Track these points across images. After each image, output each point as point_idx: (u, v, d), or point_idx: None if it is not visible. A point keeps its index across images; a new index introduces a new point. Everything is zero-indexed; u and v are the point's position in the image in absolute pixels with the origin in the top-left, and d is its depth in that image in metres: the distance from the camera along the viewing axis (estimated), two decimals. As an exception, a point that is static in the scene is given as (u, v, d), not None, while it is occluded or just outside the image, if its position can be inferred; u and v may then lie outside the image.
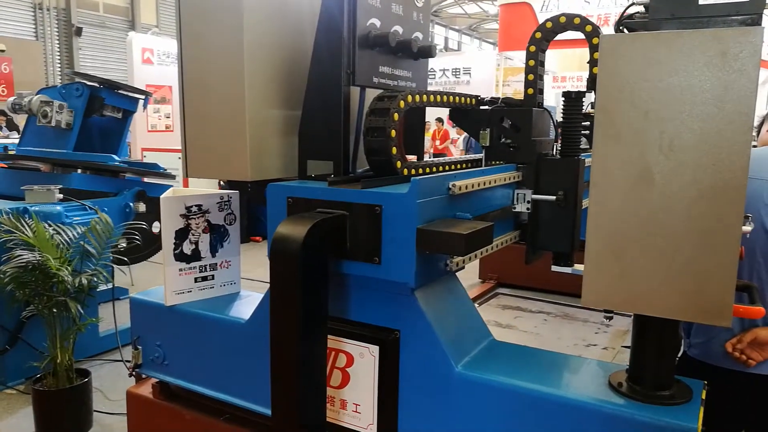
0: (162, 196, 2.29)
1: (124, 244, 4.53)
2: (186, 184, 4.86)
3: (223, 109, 2.02)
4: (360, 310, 1.94)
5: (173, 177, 4.86)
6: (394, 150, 1.97)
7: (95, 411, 3.33)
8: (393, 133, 1.95)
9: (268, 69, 2.04)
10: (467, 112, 2.46)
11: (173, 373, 2.45)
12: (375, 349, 1.89)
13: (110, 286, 3.88)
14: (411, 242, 1.72)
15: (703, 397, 1.62)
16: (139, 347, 2.51)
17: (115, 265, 3.93)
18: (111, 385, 2.97)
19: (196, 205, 2.38)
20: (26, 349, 3.62)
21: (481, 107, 2.41)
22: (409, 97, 2.02)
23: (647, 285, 1.41)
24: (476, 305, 5.38)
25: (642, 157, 1.37)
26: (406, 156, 2.44)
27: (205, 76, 2.05)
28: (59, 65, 18.81)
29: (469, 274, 6.36)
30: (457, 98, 2.32)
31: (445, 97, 2.24)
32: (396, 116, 1.96)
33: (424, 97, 2.11)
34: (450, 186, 1.87)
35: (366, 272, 1.83)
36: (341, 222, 1.81)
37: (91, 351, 4.08)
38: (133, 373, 2.53)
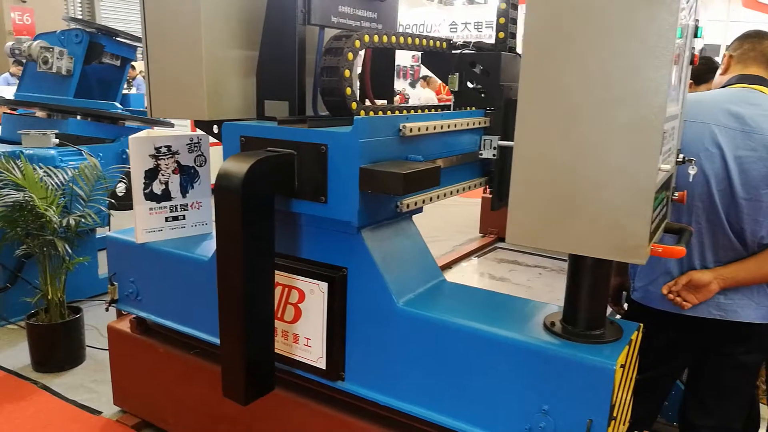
0: (131, 137, 2.34)
1: (123, 189, 4.64)
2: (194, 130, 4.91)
3: (181, 50, 2.04)
4: (310, 248, 1.99)
5: (172, 125, 4.91)
6: (349, 91, 1.98)
7: (88, 346, 3.47)
8: (347, 73, 1.95)
9: (225, 8, 2.03)
10: (438, 56, 2.44)
11: (146, 309, 2.55)
12: (324, 286, 1.94)
13: (107, 230, 4.00)
14: (354, 181, 1.74)
15: (634, 338, 1.65)
16: (115, 283, 2.61)
17: (111, 210, 4.04)
18: (105, 323, 3.11)
19: (165, 146, 2.43)
20: (26, 288, 3.77)
21: (453, 51, 2.38)
22: (366, 37, 2.01)
23: (568, 223, 1.41)
24: (474, 258, 5.44)
25: (565, 93, 1.36)
26: (376, 101, 2.44)
27: (164, 18, 2.06)
28: (80, 16, 18.85)
29: (470, 229, 6.43)
30: (425, 41, 2.29)
31: (410, 39, 2.22)
32: (350, 56, 1.95)
33: (384, 37, 2.09)
34: (401, 127, 1.88)
35: (313, 211, 1.86)
36: (289, 160, 1.84)
37: (91, 292, 4.23)
38: (108, 308, 2.64)
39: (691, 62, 1.62)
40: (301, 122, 1.87)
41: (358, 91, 2.37)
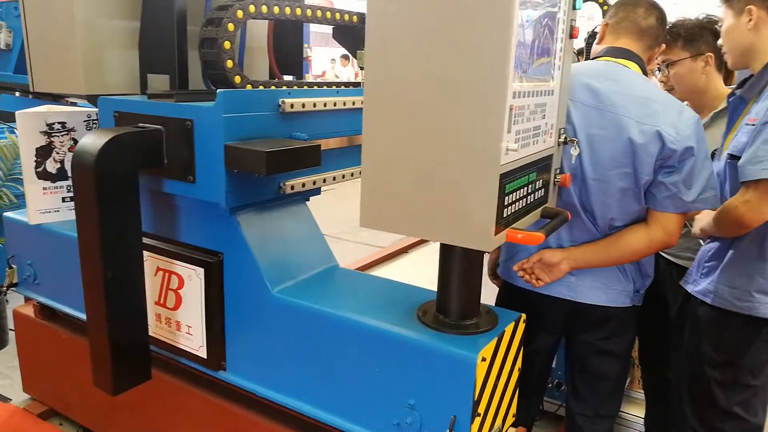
0: (18, 112, 2.22)
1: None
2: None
3: (55, 19, 1.91)
4: (188, 232, 1.88)
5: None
6: (230, 63, 1.86)
7: (12, 330, 3.38)
8: (227, 45, 1.83)
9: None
10: (350, 30, 2.32)
11: (44, 293, 2.44)
12: (201, 272, 1.84)
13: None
14: (220, 159, 1.63)
15: (509, 329, 1.55)
16: (14, 266, 2.50)
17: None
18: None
19: (59, 122, 2.30)
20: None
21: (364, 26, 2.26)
22: (252, 7, 1.88)
23: (415, 207, 1.31)
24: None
25: (404, 72, 1.25)
26: (283, 76, 2.32)
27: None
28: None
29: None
30: (331, 14, 2.17)
31: (312, 12, 2.10)
32: (231, 27, 1.83)
33: (276, 8, 1.97)
34: (280, 103, 1.76)
35: (182, 191, 1.75)
36: (156, 137, 1.72)
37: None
38: (6, 292, 2.53)
39: (571, 35, 1.51)
40: (170, 97, 1.76)
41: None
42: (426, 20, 1.21)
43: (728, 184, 1.81)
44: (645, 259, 1.86)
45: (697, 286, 1.92)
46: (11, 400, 2.79)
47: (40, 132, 2.26)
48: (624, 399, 2.87)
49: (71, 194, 2.40)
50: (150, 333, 2.04)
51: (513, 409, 1.69)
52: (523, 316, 1.63)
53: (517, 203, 1.37)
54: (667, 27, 2.29)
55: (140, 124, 1.76)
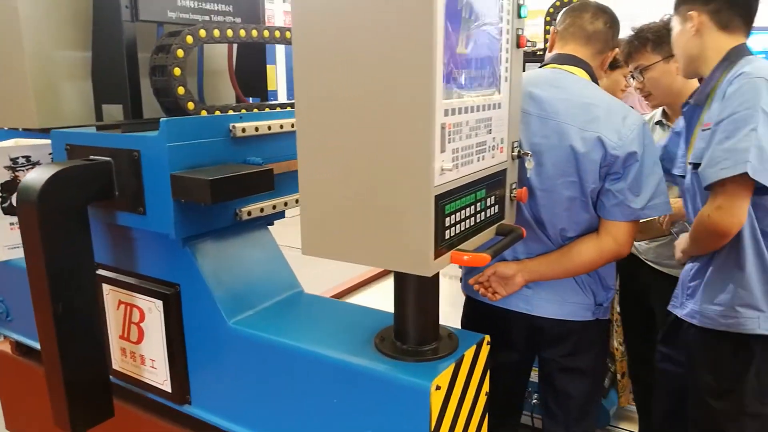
0: (-20, 148, 2.20)
1: None
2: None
3: (5, 53, 1.89)
4: (145, 264, 1.84)
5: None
6: (182, 90, 1.82)
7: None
8: (177, 71, 1.80)
9: (49, 6, 1.88)
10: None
11: (16, 330, 2.41)
12: (160, 304, 1.79)
13: None
14: (167, 190, 1.59)
15: (470, 353, 1.49)
16: (-12, 303, 2.47)
17: None
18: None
19: (23, 157, 2.27)
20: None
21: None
22: (202, 32, 1.85)
23: (355, 233, 1.26)
24: None
25: (332, 91, 1.21)
26: (247, 99, 2.29)
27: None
28: None
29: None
30: (288, 34, 2.13)
31: (268, 33, 2.06)
32: (180, 53, 1.80)
33: (229, 31, 1.93)
34: (231, 128, 1.73)
35: (134, 223, 1.71)
36: (106, 169, 1.69)
37: None
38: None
39: (518, 45, 1.45)
40: (117, 127, 1.72)
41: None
42: (350, 38, 1.17)
43: (699, 196, 1.73)
44: (605, 270, 1.79)
45: (685, 309, 1.81)
46: (-11, 435, 2.76)
47: (4, 167, 2.24)
48: (617, 414, 2.79)
49: (40, 228, 2.37)
50: (116, 367, 2.01)
51: (483, 434, 1.62)
52: (487, 338, 1.56)
53: (462, 223, 1.31)
54: (635, 32, 2.24)
55: (91, 157, 1.73)
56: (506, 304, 1.77)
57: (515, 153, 1.51)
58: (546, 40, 4.31)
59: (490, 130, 1.39)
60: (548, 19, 4.25)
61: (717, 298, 1.70)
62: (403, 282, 1.46)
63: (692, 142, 1.76)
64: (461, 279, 1.97)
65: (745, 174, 1.47)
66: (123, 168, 1.67)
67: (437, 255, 1.21)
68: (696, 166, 1.66)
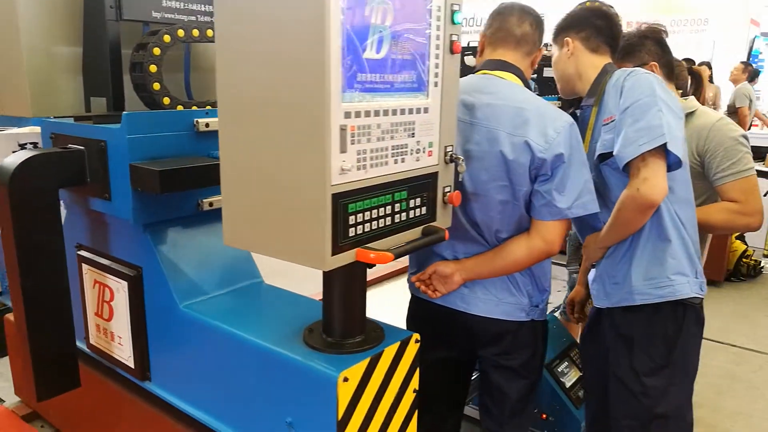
0: (-9, 134, 2.40)
1: None
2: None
3: (4, 47, 2.06)
4: (115, 246, 1.97)
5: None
6: (157, 86, 1.95)
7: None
8: (153, 68, 1.92)
9: (46, 4, 2.03)
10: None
11: (20, 302, 2.60)
12: (125, 285, 1.91)
13: None
14: (126, 178, 1.71)
15: (392, 350, 1.53)
16: None
17: None
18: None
19: (31, 143, 2.47)
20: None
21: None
22: (181, 32, 1.97)
23: (266, 227, 1.33)
24: None
25: (244, 96, 1.29)
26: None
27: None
28: None
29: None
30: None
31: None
32: (157, 51, 1.92)
33: (209, 31, 2.04)
34: (195, 123, 1.83)
35: (101, 208, 1.84)
36: (78, 156, 1.82)
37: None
38: None
39: (452, 51, 1.48)
40: (89, 119, 1.86)
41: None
42: (258, 44, 1.24)
43: (609, 187, 1.79)
44: (540, 271, 1.80)
45: (613, 297, 1.84)
46: (4, 401, 2.97)
47: (13, 152, 2.43)
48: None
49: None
50: (92, 342, 2.15)
51: (412, 431, 1.65)
52: (416, 335, 1.60)
53: (374, 222, 1.35)
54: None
55: (69, 145, 1.87)
56: (446, 303, 1.81)
57: (448, 157, 1.54)
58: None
59: (413, 133, 1.42)
60: (569, 24, 4.19)
61: (650, 273, 1.77)
62: (329, 277, 1.51)
63: (587, 142, 1.84)
64: (408, 279, 2.01)
65: (662, 146, 1.60)
66: (93, 156, 1.80)
67: (338, 251, 1.27)
68: (603, 156, 1.74)
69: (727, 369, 3.74)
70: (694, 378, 1.88)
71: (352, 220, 1.29)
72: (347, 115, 1.22)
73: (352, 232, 1.30)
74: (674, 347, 1.79)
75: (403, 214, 1.45)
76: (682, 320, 1.79)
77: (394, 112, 1.35)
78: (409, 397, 1.62)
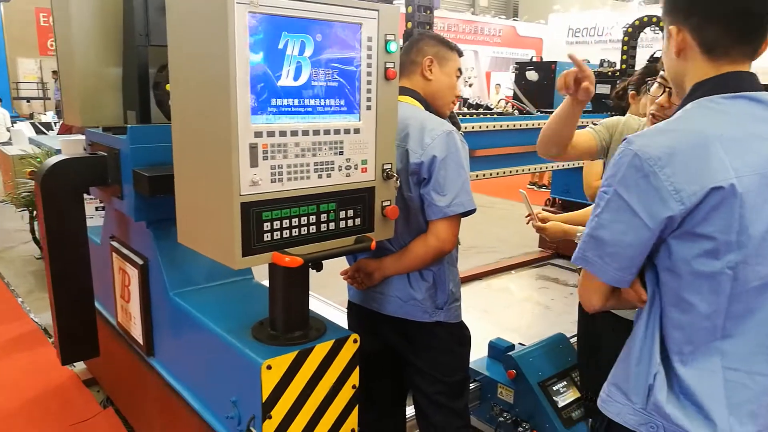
0: (61, 139, 2.84)
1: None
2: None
3: (64, 66, 2.46)
4: (132, 238, 2.29)
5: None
6: (172, 103, 2.24)
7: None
8: (168, 87, 2.22)
9: (96, 32, 2.40)
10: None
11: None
12: (137, 272, 2.23)
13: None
14: (130, 181, 2.01)
15: (326, 346, 1.68)
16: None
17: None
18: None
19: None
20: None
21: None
22: (195, 56, 2.26)
23: (200, 228, 1.55)
24: (514, 272, 5.35)
25: (186, 99, 1.52)
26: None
27: (58, 37, 2.49)
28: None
29: (530, 241, 6.20)
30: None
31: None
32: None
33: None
34: (193, 135, 2.10)
35: (118, 206, 2.17)
36: (101, 161, 2.16)
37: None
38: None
39: (386, 77, 1.61)
40: (109, 130, 2.19)
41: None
42: (190, 71, 1.47)
43: None
44: (440, 274, 1.92)
45: None
46: (74, 366, 3.46)
47: (83, 149, 2.87)
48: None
49: (102, 205, 2.98)
50: (119, 320, 2.50)
51: (352, 423, 1.79)
52: (354, 336, 1.74)
53: (294, 230, 1.52)
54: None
55: (98, 152, 2.22)
56: (366, 304, 2.02)
57: (385, 174, 1.67)
58: (623, 61, 4.13)
59: (341, 151, 1.57)
60: (626, 39, 4.07)
61: None
62: (273, 276, 1.70)
63: None
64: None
65: None
66: (112, 161, 2.13)
67: (250, 253, 1.45)
68: None
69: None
70: None
71: (267, 226, 1.47)
72: (258, 134, 1.40)
73: (267, 237, 1.48)
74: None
75: (332, 224, 1.61)
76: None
77: (316, 132, 1.51)
78: (347, 392, 1.76)
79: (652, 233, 1.14)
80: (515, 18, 25.90)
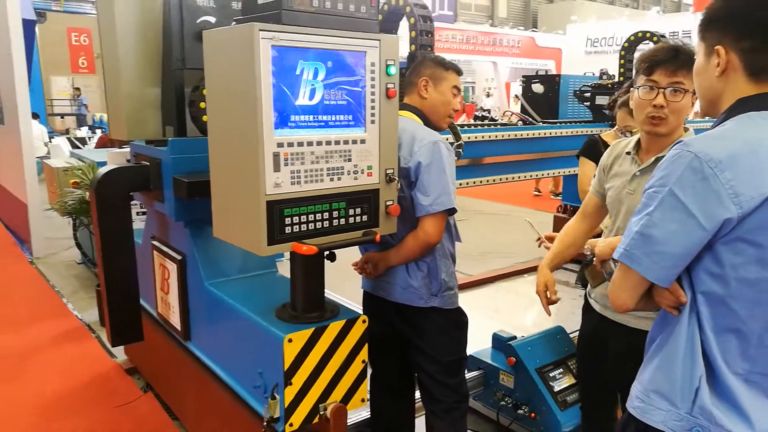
0: (107, 152, 3.20)
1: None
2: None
3: (111, 88, 2.81)
4: (173, 237, 2.61)
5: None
6: (205, 118, 2.56)
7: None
8: (202, 105, 2.54)
9: (140, 56, 2.74)
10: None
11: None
12: (175, 267, 2.55)
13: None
14: (170, 187, 2.34)
15: (338, 325, 1.97)
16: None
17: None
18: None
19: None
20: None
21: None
22: (226, 77, 2.58)
23: (233, 222, 1.85)
24: (526, 275, 5.59)
25: (220, 115, 1.84)
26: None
27: (105, 59, 2.84)
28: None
29: (545, 248, 6.40)
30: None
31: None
32: (206, 92, 2.55)
33: (249, 76, 2.64)
34: (227, 147, 2.42)
35: (159, 209, 2.49)
36: (144, 170, 2.49)
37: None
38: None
39: (388, 96, 1.91)
40: (151, 143, 2.52)
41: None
42: (226, 93, 1.78)
43: None
44: (433, 264, 2.19)
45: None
46: (116, 357, 3.80)
47: (126, 160, 3.22)
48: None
49: (143, 210, 3.32)
50: (159, 311, 2.82)
51: (362, 393, 2.07)
52: (363, 317, 2.03)
53: (310, 224, 1.82)
54: (685, 49, 1.91)
55: (142, 162, 2.56)
56: (375, 291, 2.31)
57: (387, 178, 1.96)
58: (621, 74, 4.37)
59: (350, 158, 1.87)
60: (623, 53, 4.31)
61: None
62: (293, 266, 2.00)
63: None
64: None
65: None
66: (154, 170, 2.45)
67: (274, 243, 1.75)
68: None
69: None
70: None
71: (288, 221, 1.77)
72: (280, 144, 1.71)
73: (288, 230, 1.77)
74: None
75: (342, 220, 1.90)
76: None
77: (328, 143, 1.81)
78: (357, 365, 2.04)
79: (707, 234, 1.15)
80: (534, 29, 26.11)
